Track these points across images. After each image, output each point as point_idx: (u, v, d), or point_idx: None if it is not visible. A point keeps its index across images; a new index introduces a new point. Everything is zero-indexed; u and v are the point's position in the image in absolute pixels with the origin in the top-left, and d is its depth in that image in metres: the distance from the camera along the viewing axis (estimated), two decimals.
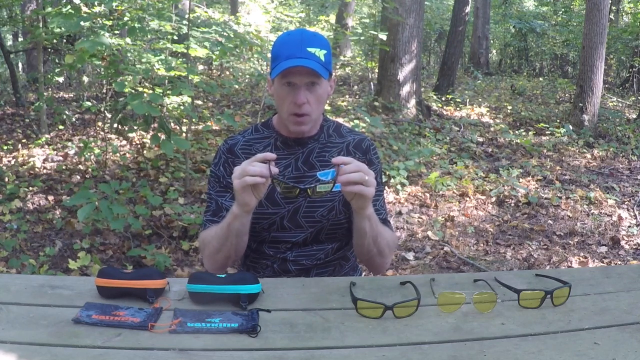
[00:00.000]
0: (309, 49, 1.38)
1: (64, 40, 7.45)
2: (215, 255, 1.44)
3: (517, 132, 7.48)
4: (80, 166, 4.98)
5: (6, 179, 4.51)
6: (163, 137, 3.87)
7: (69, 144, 5.63)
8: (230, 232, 1.37)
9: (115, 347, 1.01)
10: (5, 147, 5.53)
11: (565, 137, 7.12)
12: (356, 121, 6.31)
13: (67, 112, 6.65)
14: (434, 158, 5.89)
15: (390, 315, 1.15)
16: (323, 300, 1.24)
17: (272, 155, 1.25)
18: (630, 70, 12.46)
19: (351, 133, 1.60)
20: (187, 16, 4.52)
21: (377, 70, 8.03)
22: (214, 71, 10.65)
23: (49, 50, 8.28)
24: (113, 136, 5.84)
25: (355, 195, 1.27)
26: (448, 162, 5.83)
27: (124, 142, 5.82)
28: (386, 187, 4.89)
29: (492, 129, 7.62)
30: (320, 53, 1.39)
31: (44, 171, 4.86)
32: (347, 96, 9.03)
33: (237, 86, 8.43)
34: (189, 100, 4.52)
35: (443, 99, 9.12)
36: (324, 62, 1.40)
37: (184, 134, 4.77)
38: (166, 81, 4.22)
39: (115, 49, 4.13)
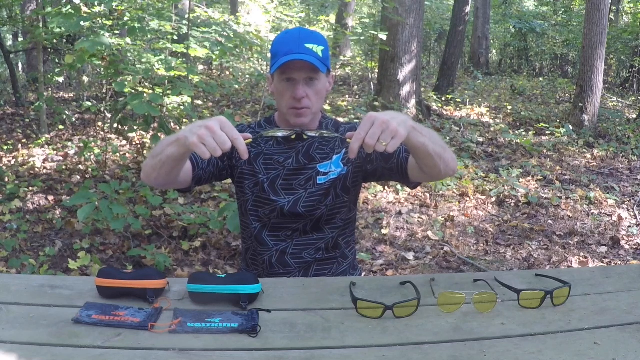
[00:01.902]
0: (307, 45, 1.42)
1: (64, 40, 7.45)
2: (151, 160, 1.35)
3: (517, 132, 7.47)
4: (80, 166, 4.98)
5: (6, 179, 4.51)
6: (163, 137, 3.87)
7: (69, 144, 5.63)
8: (163, 151, 1.29)
9: (115, 347, 1.01)
10: (5, 147, 5.53)
11: (565, 137, 7.12)
12: (356, 121, 6.30)
13: (67, 112, 6.65)
14: None
15: (390, 315, 1.15)
16: (323, 300, 1.24)
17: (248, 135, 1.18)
18: (630, 70, 12.45)
19: (345, 125, 1.64)
20: (187, 16, 4.52)
21: (377, 70, 8.02)
22: (214, 71, 10.65)
23: (49, 50, 8.28)
24: (113, 136, 5.84)
25: (391, 144, 1.14)
26: None
27: (124, 142, 5.82)
28: (386, 187, 4.89)
29: (492, 129, 7.61)
30: (318, 49, 1.43)
31: (44, 171, 4.86)
32: (347, 96, 9.03)
33: (237, 86, 8.43)
34: (189, 100, 4.52)
35: (443, 99, 9.11)
36: (322, 58, 1.44)
37: None
38: (166, 81, 4.22)
39: (115, 49, 4.12)
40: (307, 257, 1.56)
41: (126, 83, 3.94)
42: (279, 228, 1.56)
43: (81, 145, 5.39)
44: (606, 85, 11.30)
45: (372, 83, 8.49)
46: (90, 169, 4.88)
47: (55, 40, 6.50)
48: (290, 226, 1.55)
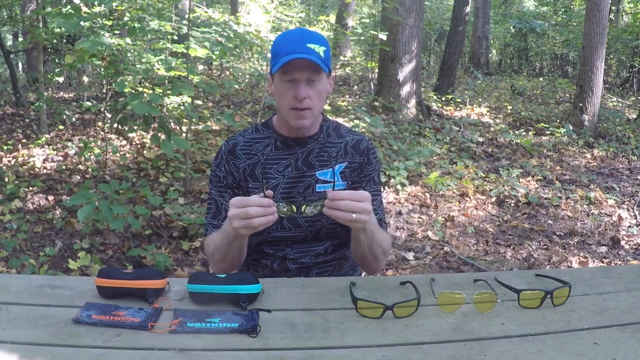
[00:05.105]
0: (309, 45, 1.40)
1: (64, 40, 7.45)
2: (220, 263, 1.48)
3: (517, 132, 7.48)
4: (80, 166, 4.98)
5: (6, 179, 4.51)
6: (163, 137, 3.87)
7: (69, 144, 5.63)
8: (231, 249, 1.41)
9: (115, 347, 1.02)
10: (5, 147, 5.53)
11: (565, 137, 7.12)
12: (356, 121, 6.31)
13: (67, 112, 6.65)
14: (434, 158, 5.88)
15: (390, 315, 1.15)
16: (323, 300, 1.24)
17: (270, 193, 1.27)
18: (630, 70, 12.46)
19: (350, 133, 1.61)
20: (187, 16, 4.52)
21: (377, 70, 8.03)
22: (214, 71, 10.65)
23: (49, 50, 8.28)
24: (113, 136, 5.84)
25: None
26: (448, 162, 5.83)
27: (124, 142, 5.82)
28: (386, 187, 4.89)
29: (492, 129, 7.62)
30: (320, 49, 1.41)
31: (44, 171, 4.86)
32: (347, 96, 9.03)
33: (237, 86, 8.42)
34: (189, 100, 4.52)
35: (443, 99, 9.11)
36: (324, 58, 1.42)
37: (184, 134, 4.77)
38: (166, 81, 4.21)
39: (115, 49, 4.12)
40: (307, 262, 1.55)
41: (126, 83, 3.94)
42: (277, 242, 1.54)
43: (81, 145, 5.39)
44: (606, 85, 11.30)
45: (372, 83, 8.50)
46: (90, 169, 4.88)
47: (55, 40, 6.49)
48: (289, 239, 1.54)
